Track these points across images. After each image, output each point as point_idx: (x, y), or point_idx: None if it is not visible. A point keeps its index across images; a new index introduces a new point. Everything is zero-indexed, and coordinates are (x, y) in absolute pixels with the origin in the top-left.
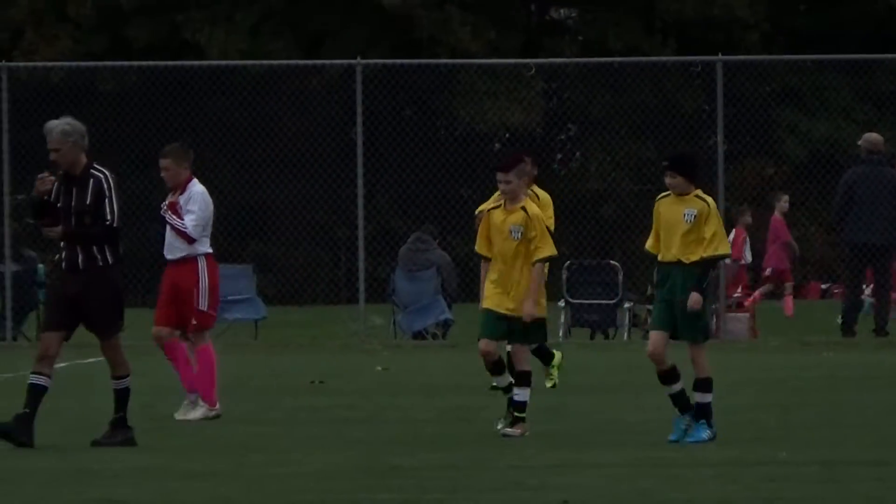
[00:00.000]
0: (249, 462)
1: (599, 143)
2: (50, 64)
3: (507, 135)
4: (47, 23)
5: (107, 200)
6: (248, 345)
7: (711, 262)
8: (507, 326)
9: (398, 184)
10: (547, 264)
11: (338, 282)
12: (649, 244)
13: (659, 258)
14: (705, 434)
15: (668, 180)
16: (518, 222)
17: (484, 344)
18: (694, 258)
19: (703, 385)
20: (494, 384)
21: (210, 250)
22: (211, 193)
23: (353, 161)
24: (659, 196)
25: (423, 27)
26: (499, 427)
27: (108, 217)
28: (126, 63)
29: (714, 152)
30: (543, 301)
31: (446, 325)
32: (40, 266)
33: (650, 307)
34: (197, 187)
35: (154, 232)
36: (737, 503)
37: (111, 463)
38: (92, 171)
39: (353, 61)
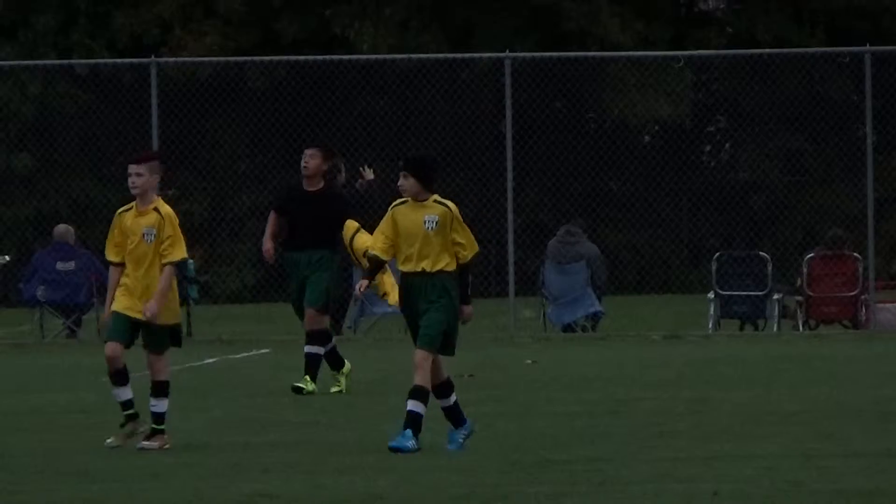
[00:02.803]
0: (399, 456)
1: (748, 135)
2: (198, 59)
3: (657, 127)
4: (196, 18)
5: None
6: (397, 339)
7: (469, 268)
8: (132, 331)
9: (547, 177)
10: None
11: (487, 275)
12: (379, 249)
13: (400, 268)
14: (409, 443)
15: (400, 181)
16: (151, 224)
17: (110, 348)
18: (441, 266)
19: (419, 395)
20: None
21: None
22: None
23: (503, 154)
24: (394, 203)
25: (571, 19)
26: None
27: None
28: (275, 58)
29: (863, 143)
30: (175, 306)
31: (596, 317)
32: (190, 262)
33: (799, 298)
34: None
35: None
36: (886, 494)
37: (262, 458)
38: None
39: (501, 54)
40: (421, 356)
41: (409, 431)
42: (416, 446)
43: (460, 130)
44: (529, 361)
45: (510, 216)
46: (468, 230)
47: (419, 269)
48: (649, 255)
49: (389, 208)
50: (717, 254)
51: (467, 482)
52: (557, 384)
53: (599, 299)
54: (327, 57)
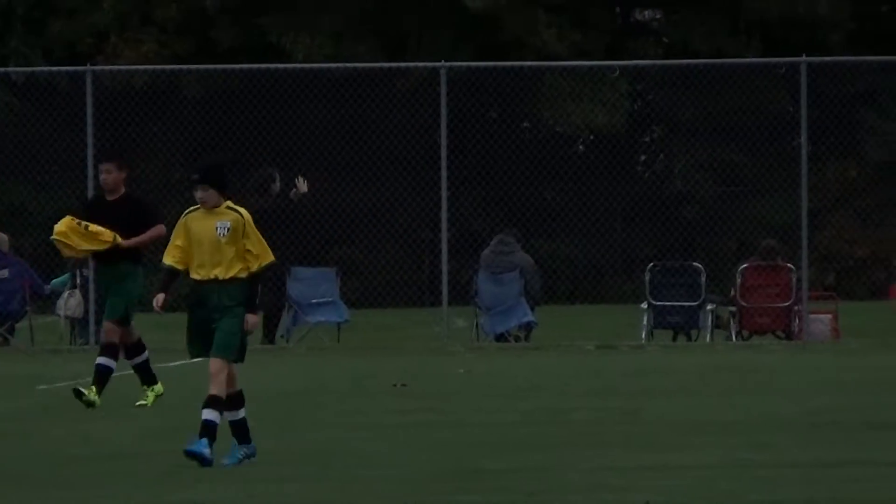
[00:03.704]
0: (335, 465)
1: (683, 145)
2: (134, 67)
3: (592, 136)
4: (131, 26)
5: None
6: (331, 348)
7: (259, 277)
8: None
9: (482, 186)
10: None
11: (421, 284)
12: (172, 260)
13: (193, 276)
14: (206, 451)
15: (199, 195)
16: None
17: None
18: (233, 274)
19: (215, 403)
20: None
21: None
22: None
23: (437, 164)
24: (186, 211)
25: (507, 29)
26: None
27: None
28: (211, 66)
29: (798, 154)
30: None
31: (529, 327)
32: None
33: (733, 309)
34: None
35: None
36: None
37: (194, 466)
38: None
39: (437, 64)
40: (217, 365)
41: (204, 440)
42: (211, 456)
43: (395, 140)
44: (462, 371)
45: (444, 226)
46: (261, 239)
47: (211, 277)
48: (583, 264)
49: (182, 216)
50: (651, 264)
51: (400, 491)
52: (490, 394)
53: (533, 309)
54: (262, 66)
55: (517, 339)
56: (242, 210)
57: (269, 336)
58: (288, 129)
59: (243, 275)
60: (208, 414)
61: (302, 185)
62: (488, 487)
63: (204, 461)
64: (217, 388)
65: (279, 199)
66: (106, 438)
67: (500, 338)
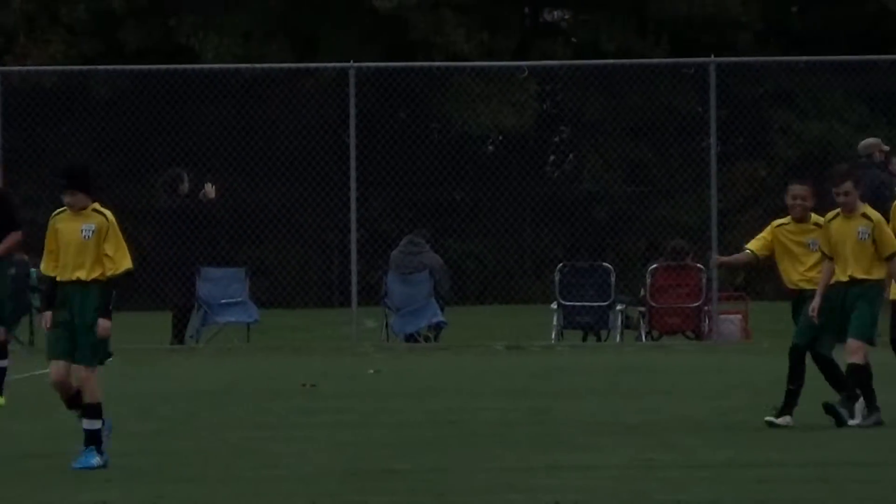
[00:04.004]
0: (241, 465)
1: (592, 145)
2: (42, 68)
3: (501, 137)
4: (40, 26)
5: None
6: (240, 348)
7: (116, 283)
8: None
9: (391, 187)
10: None
11: (330, 285)
12: (51, 269)
13: (59, 277)
14: (94, 460)
15: (67, 199)
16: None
17: None
18: (95, 276)
19: (93, 411)
20: None
21: None
22: None
23: (346, 164)
24: (54, 213)
25: (416, 30)
26: None
27: None
28: (119, 67)
29: (707, 154)
30: None
31: (438, 327)
32: (33, 270)
33: (642, 309)
34: None
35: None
36: None
37: (104, 467)
38: None
39: (346, 64)
40: (87, 373)
41: (91, 449)
42: (101, 462)
43: (304, 140)
44: (372, 371)
45: (353, 226)
46: (123, 245)
47: (74, 279)
48: (493, 265)
49: (51, 219)
50: (561, 264)
51: (309, 491)
52: (400, 394)
53: (442, 309)
54: (171, 66)
55: (427, 339)
56: (108, 213)
57: (178, 336)
58: (197, 129)
59: (104, 278)
60: (88, 423)
61: (210, 191)
62: (397, 488)
63: (95, 468)
64: (91, 396)
65: (188, 200)
66: (14, 439)
67: (410, 338)
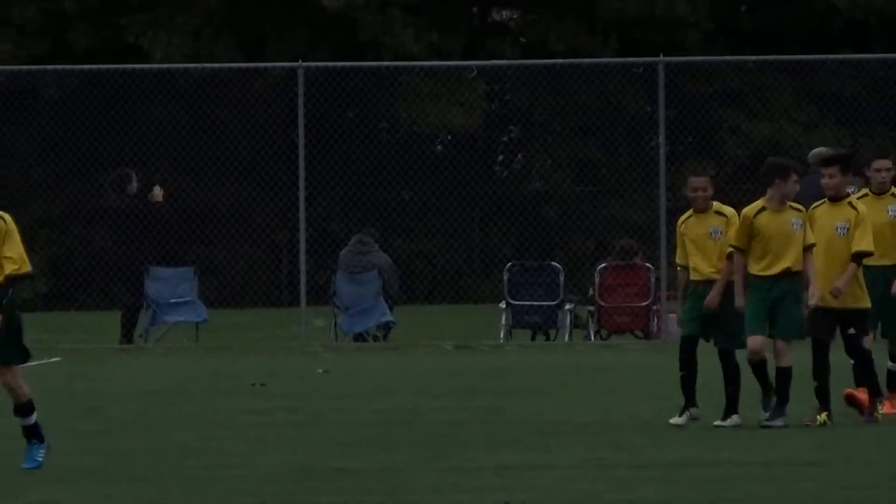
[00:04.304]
0: (190, 465)
1: (541, 145)
2: None
3: (449, 136)
4: None
5: None
6: (189, 348)
7: (14, 281)
8: None
9: (339, 186)
10: None
11: (279, 284)
12: None
13: None
14: (40, 455)
15: None
16: None
17: None
18: None
19: (23, 409)
20: None
21: None
22: None
23: (295, 164)
24: None
25: (365, 29)
26: None
27: None
28: (68, 67)
29: (656, 153)
30: None
31: (387, 327)
32: None
33: (591, 308)
34: None
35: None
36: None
37: (53, 466)
38: None
39: (294, 64)
40: (9, 374)
41: (34, 444)
42: (42, 461)
43: (253, 140)
44: (321, 371)
45: (302, 225)
46: (21, 248)
47: None
48: (441, 264)
49: None
50: (509, 264)
51: (259, 491)
52: (349, 394)
53: (391, 309)
54: (120, 66)
55: (376, 338)
56: (7, 216)
57: (127, 336)
58: (146, 128)
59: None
60: (24, 420)
61: (158, 195)
62: (347, 487)
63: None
64: (16, 397)
65: (136, 200)
66: None
67: (359, 337)
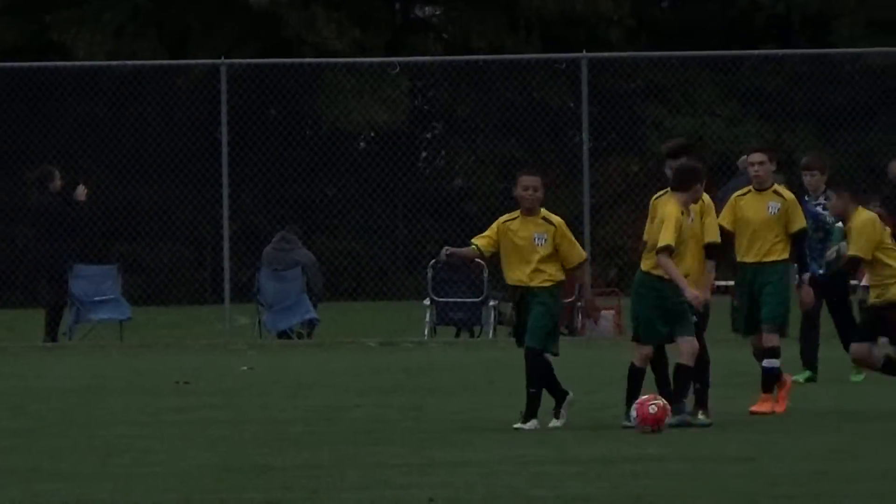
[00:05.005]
0: (115, 462)
1: (464, 141)
2: None
3: (373, 133)
4: None
5: None
6: (113, 345)
7: None
8: None
9: (263, 183)
10: None
11: (203, 282)
12: None
13: None
14: None
15: None
16: None
17: None
18: None
19: None
20: None
21: None
22: None
23: (218, 161)
24: None
25: (288, 26)
26: None
27: None
28: None
29: (579, 149)
30: None
31: (311, 324)
32: None
33: None
34: None
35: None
36: (601, 499)
37: None
38: None
39: (217, 61)
40: None
41: None
42: None
43: (177, 137)
44: (245, 368)
45: (226, 223)
46: None
47: None
48: (365, 261)
49: None
50: (433, 260)
51: (183, 488)
52: (273, 391)
53: (315, 306)
54: (42, 63)
55: (300, 335)
56: None
57: (51, 334)
58: (69, 125)
59: None
60: None
61: (81, 194)
62: (271, 485)
63: None
64: None
65: (59, 197)
66: None
67: (283, 335)
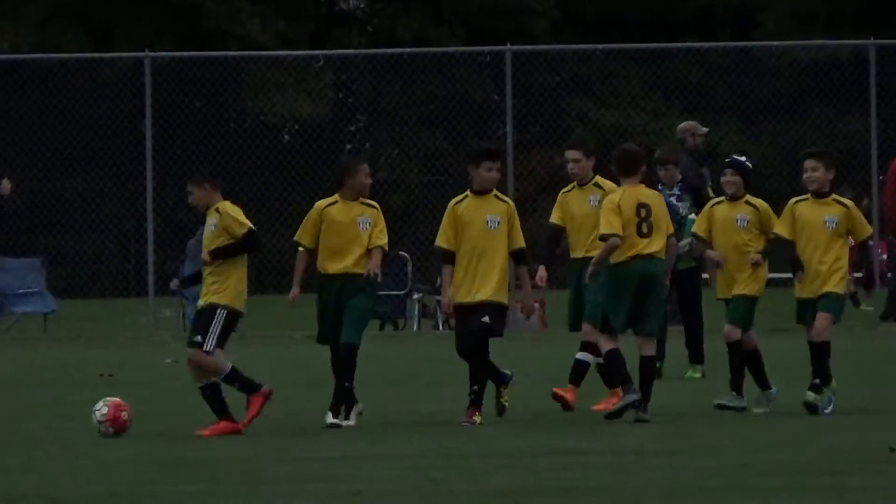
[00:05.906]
0: (41, 456)
1: (389, 134)
2: None
3: (297, 126)
4: None
5: None
6: (38, 338)
7: None
8: None
9: (187, 176)
10: None
11: (127, 274)
12: None
13: None
14: None
15: None
16: None
17: None
18: None
19: None
20: None
21: None
22: None
23: (143, 153)
24: None
25: (212, 19)
26: None
27: None
28: None
29: (504, 142)
30: None
31: None
32: None
33: (440, 298)
34: None
35: None
36: (527, 492)
37: None
38: None
39: (141, 54)
40: None
41: None
42: None
43: (101, 129)
44: (169, 361)
45: (150, 215)
46: None
47: None
48: (290, 254)
49: None
50: None
51: (108, 481)
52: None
53: None
54: None
55: None
56: None
57: None
58: None
59: None
60: None
61: (6, 188)
62: (197, 477)
63: None
64: None
65: None
66: None
67: None
